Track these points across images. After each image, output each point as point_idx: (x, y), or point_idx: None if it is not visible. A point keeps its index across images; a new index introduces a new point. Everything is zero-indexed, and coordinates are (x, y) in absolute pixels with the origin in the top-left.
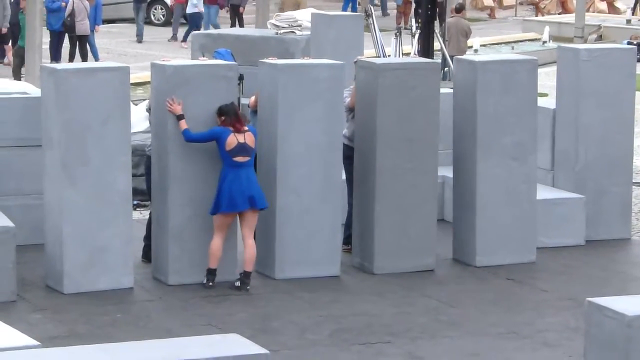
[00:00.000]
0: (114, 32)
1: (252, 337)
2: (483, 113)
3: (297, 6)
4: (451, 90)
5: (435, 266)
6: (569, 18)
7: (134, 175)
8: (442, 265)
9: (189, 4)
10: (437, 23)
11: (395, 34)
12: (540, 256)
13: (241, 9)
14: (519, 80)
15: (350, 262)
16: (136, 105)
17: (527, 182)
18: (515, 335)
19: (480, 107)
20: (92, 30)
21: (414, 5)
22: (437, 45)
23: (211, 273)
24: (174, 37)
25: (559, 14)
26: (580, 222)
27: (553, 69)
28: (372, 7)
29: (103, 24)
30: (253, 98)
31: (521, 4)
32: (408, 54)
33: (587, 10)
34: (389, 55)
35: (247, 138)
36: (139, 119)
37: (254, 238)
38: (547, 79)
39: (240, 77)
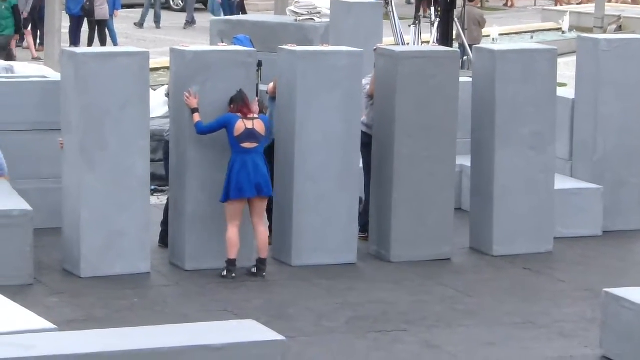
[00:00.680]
0: (133, 17)
1: (268, 323)
2: (502, 102)
3: None
4: (470, 79)
5: (452, 255)
6: (589, 8)
7: (152, 161)
8: (459, 254)
9: None
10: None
11: (415, 22)
12: (558, 246)
13: None
14: (539, 69)
15: (367, 249)
16: (155, 90)
17: (545, 172)
18: (531, 325)
19: (499, 97)
20: (111, 15)
21: None
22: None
23: (231, 264)
24: (188, 23)
25: (578, 3)
26: (598, 212)
27: (572, 59)
28: None
29: (122, 8)
30: (271, 85)
31: None
32: (427, 42)
33: (608, 1)
34: (408, 44)
35: (256, 125)
36: (158, 104)
37: (270, 226)
38: (566, 68)
39: (259, 64)
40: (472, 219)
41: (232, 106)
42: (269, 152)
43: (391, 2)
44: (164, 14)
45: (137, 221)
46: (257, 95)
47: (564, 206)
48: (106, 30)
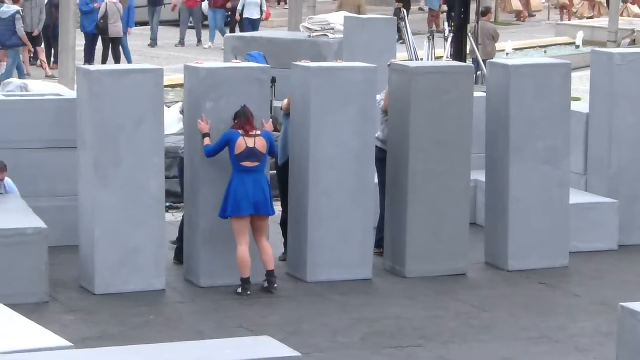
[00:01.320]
0: (146, 35)
1: (284, 339)
2: (516, 117)
3: (357, 8)
4: (484, 94)
5: (467, 270)
6: (602, 22)
7: (166, 177)
8: (474, 269)
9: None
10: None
11: (428, 37)
12: (573, 260)
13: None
14: (553, 84)
15: (382, 265)
16: (168, 107)
17: (560, 186)
18: (547, 340)
19: (513, 111)
20: (125, 32)
21: (445, 8)
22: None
23: (246, 282)
24: (181, 42)
25: (589, 17)
26: (613, 226)
27: (586, 73)
28: (404, 10)
29: (135, 26)
30: (285, 101)
31: (555, 7)
32: (440, 57)
33: (621, 15)
34: (422, 59)
35: (258, 142)
36: (172, 120)
37: (284, 242)
38: (580, 83)
39: (273, 80)
40: (487, 233)
41: (235, 121)
42: (284, 169)
43: (405, 17)
44: (175, 31)
45: (152, 238)
46: (271, 112)
47: (579, 220)
48: (120, 47)
